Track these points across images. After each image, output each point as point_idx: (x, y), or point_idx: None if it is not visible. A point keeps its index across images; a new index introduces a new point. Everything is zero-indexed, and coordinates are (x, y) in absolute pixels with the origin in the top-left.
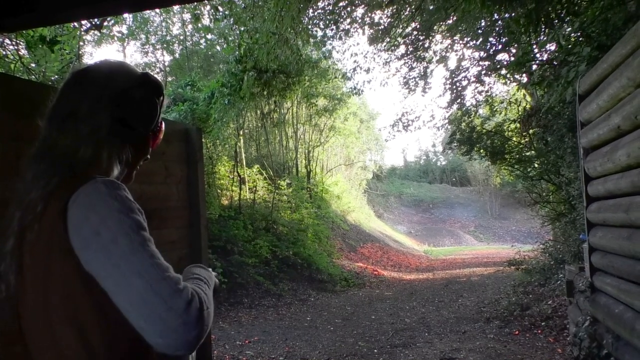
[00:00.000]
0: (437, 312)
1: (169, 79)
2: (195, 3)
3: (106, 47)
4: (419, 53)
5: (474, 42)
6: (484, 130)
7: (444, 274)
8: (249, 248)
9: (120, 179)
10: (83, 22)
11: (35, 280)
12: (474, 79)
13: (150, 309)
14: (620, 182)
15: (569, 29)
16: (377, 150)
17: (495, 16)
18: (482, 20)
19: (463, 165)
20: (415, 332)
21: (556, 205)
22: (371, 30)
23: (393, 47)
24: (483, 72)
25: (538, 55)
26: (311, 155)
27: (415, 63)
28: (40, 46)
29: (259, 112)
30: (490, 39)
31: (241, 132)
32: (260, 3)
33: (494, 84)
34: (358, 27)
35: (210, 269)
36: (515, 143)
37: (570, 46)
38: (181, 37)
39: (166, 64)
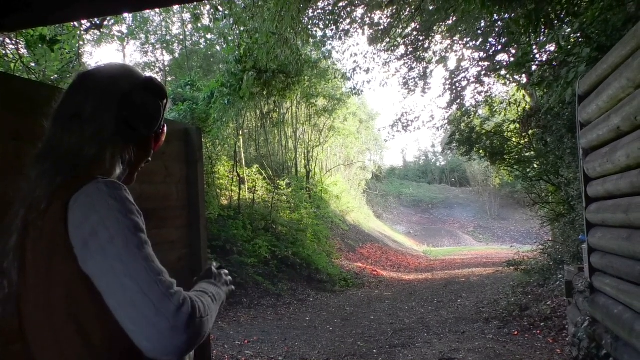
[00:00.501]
0: (436, 313)
1: (169, 78)
2: (195, 3)
3: (106, 47)
4: (418, 53)
5: (474, 42)
6: (484, 131)
7: (443, 274)
8: (248, 248)
9: (122, 179)
10: (83, 21)
11: (37, 278)
12: (474, 80)
13: (139, 312)
14: (619, 182)
15: (569, 29)
16: (376, 151)
17: (495, 17)
18: (482, 21)
19: (462, 166)
20: (415, 332)
21: (555, 206)
22: (371, 31)
23: (393, 48)
24: (483, 72)
25: (538, 56)
26: (310, 156)
27: (415, 63)
28: (40, 46)
29: (258, 112)
30: (490, 39)
31: (241, 132)
32: (260, 3)
33: (493, 84)
34: (358, 27)
35: (224, 273)
36: (515, 144)
37: (570, 47)
38: (181, 37)
39: (166, 63)
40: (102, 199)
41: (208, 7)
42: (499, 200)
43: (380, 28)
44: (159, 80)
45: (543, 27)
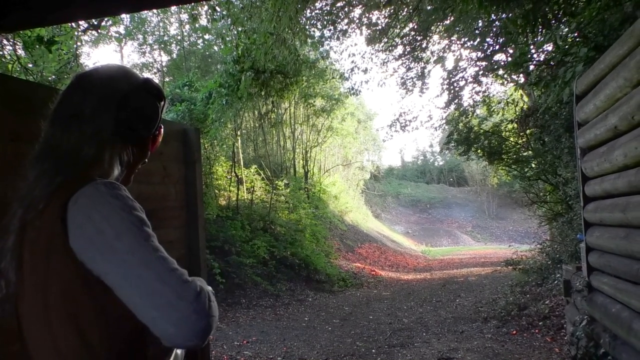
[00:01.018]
0: (435, 312)
1: (167, 79)
2: (193, 3)
3: (103, 48)
4: (416, 53)
5: (472, 42)
6: (482, 131)
7: (442, 274)
8: (246, 248)
9: (120, 180)
10: (81, 22)
11: (35, 278)
12: (472, 79)
13: (162, 298)
14: (617, 182)
15: (566, 29)
16: (374, 151)
17: (493, 16)
18: (480, 21)
19: (460, 166)
20: (413, 332)
21: (553, 205)
22: (369, 31)
23: (390, 48)
24: (480, 72)
25: (535, 55)
26: (309, 156)
27: (413, 63)
28: (37, 46)
29: (256, 112)
30: (488, 39)
31: (239, 133)
32: (258, 3)
33: (491, 84)
34: (356, 27)
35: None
36: (513, 143)
37: (567, 47)
38: (179, 38)
39: (164, 64)
40: (102, 199)
41: (206, 7)
42: (497, 200)
43: (377, 28)
44: (156, 81)
45: (540, 26)
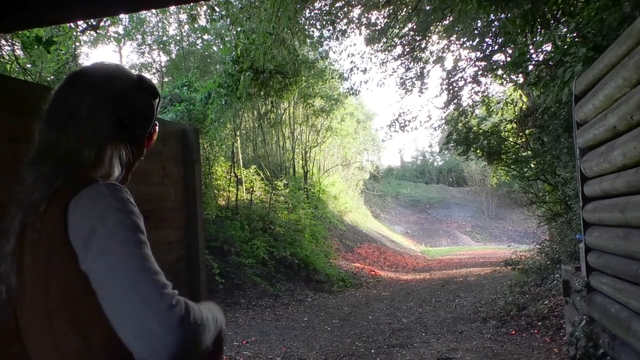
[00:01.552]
0: (434, 312)
1: (166, 79)
2: (192, 3)
3: (102, 48)
4: (415, 53)
5: (471, 42)
6: (481, 131)
7: (441, 274)
8: (246, 248)
9: (119, 180)
10: (79, 22)
11: (36, 280)
12: (471, 80)
13: (129, 308)
14: (616, 182)
15: (565, 29)
16: (374, 151)
17: (492, 17)
18: (479, 21)
19: (460, 166)
20: (413, 332)
21: (552, 205)
22: (368, 31)
23: (390, 48)
24: (479, 72)
25: (534, 55)
26: (308, 156)
27: (412, 63)
28: (36, 47)
29: (255, 112)
30: (487, 39)
31: (238, 133)
32: (257, 3)
33: (490, 84)
34: (355, 27)
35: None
36: (512, 143)
37: (566, 47)
38: (178, 38)
39: (163, 64)
40: (102, 200)
41: (205, 7)
42: (496, 200)
43: (377, 28)
44: (150, 79)
45: (539, 26)
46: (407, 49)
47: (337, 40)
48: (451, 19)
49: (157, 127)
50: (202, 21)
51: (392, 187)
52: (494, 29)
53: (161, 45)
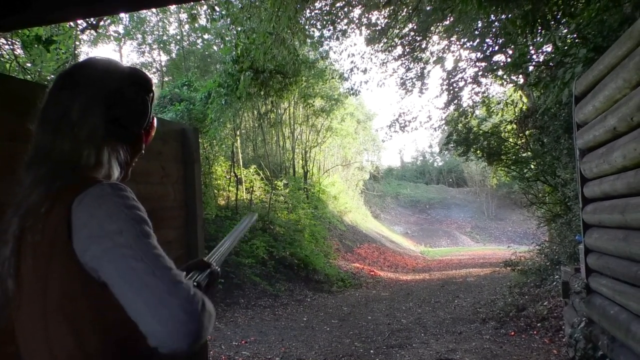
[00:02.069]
0: (434, 313)
1: (166, 78)
2: (192, 3)
3: (102, 47)
4: (415, 54)
5: (471, 43)
6: (481, 131)
7: (440, 274)
8: (245, 248)
9: (120, 179)
10: (79, 21)
11: (35, 281)
12: (471, 80)
13: (153, 293)
14: (616, 183)
15: (565, 30)
16: (374, 151)
17: (492, 17)
18: (479, 22)
19: (460, 166)
20: (412, 332)
21: (552, 207)
22: (368, 31)
23: (390, 48)
24: (480, 73)
25: (534, 56)
26: (308, 156)
27: (412, 64)
28: (36, 46)
29: (255, 112)
30: (487, 40)
31: (238, 133)
32: (257, 3)
33: (490, 85)
34: (355, 27)
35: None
36: (512, 144)
37: (566, 48)
38: (178, 37)
39: (163, 64)
40: (106, 197)
41: (205, 7)
42: (496, 201)
43: (377, 28)
44: (143, 71)
45: (540, 27)
46: (408, 49)
47: (337, 40)
48: (451, 19)
49: (155, 122)
50: (203, 21)
51: (392, 188)
52: (494, 30)
53: (161, 45)
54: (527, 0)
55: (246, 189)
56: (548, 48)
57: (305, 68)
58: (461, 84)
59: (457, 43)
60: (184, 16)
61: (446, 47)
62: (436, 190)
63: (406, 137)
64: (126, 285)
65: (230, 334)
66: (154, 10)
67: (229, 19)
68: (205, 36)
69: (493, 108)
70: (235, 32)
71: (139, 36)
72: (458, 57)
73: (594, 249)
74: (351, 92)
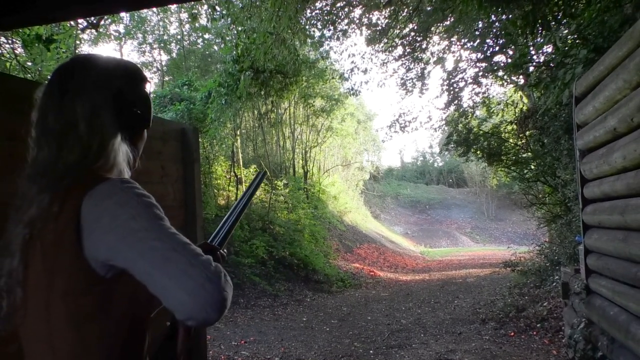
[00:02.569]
0: (433, 313)
1: (166, 78)
2: (193, 2)
3: (103, 46)
4: (416, 54)
5: (471, 43)
6: (481, 132)
7: (440, 275)
8: (245, 248)
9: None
10: (80, 20)
11: (40, 279)
12: (471, 81)
13: (176, 266)
14: (616, 184)
15: (566, 31)
16: (374, 151)
17: (493, 18)
18: (480, 22)
19: (460, 167)
20: (411, 333)
21: (552, 207)
22: (369, 31)
23: (390, 48)
24: (480, 73)
25: (535, 57)
26: (308, 156)
27: (413, 64)
28: (36, 45)
29: (256, 112)
30: (488, 40)
31: (238, 132)
32: (257, 3)
33: (491, 85)
34: (356, 27)
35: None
36: (512, 145)
37: (566, 48)
38: (178, 37)
39: (163, 63)
40: (116, 190)
41: (205, 6)
42: (496, 202)
43: (378, 28)
44: (135, 64)
45: (540, 28)
46: (408, 50)
47: (337, 40)
48: (452, 19)
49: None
50: (203, 20)
51: (392, 188)
52: (494, 30)
53: (162, 44)
54: (528, 0)
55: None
56: (548, 49)
57: (305, 68)
58: (461, 84)
59: (458, 43)
60: (184, 16)
61: (447, 47)
62: (436, 191)
63: (406, 137)
64: (148, 264)
65: (230, 333)
66: (154, 9)
67: (229, 19)
68: (206, 36)
69: (493, 108)
70: (235, 31)
71: (140, 35)
72: (458, 58)
73: (594, 249)
74: (351, 92)
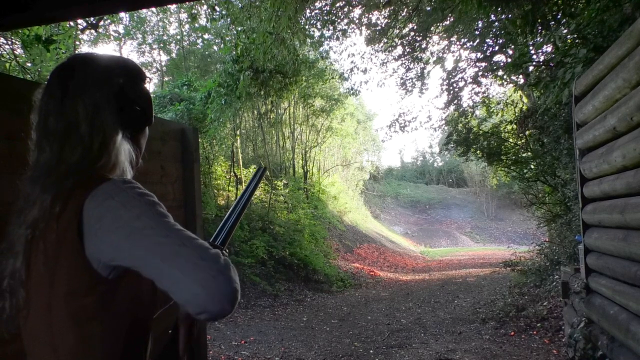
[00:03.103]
0: (433, 313)
1: (166, 78)
2: (192, 2)
3: (102, 47)
4: (416, 54)
5: (471, 43)
6: (481, 132)
7: (440, 274)
8: (245, 248)
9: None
10: (79, 21)
11: (42, 279)
12: (471, 80)
13: (185, 259)
14: (615, 183)
15: (565, 30)
16: (374, 151)
17: (492, 17)
18: (479, 22)
19: (460, 167)
20: (411, 332)
21: (552, 207)
22: (368, 31)
23: (390, 48)
24: (480, 73)
25: (534, 56)
26: (308, 156)
27: (412, 64)
28: (35, 45)
29: (255, 112)
30: (487, 40)
31: (238, 132)
32: (257, 3)
33: (490, 85)
34: (355, 27)
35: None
36: (512, 144)
37: (566, 48)
38: (178, 37)
39: (163, 63)
40: (118, 190)
41: (205, 7)
42: (496, 201)
43: (377, 28)
44: (133, 62)
45: (540, 27)
46: (408, 50)
47: (337, 40)
48: (452, 19)
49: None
50: (203, 20)
51: (392, 188)
52: (494, 30)
53: (161, 45)
54: (527, 0)
55: None
56: (548, 48)
57: (305, 68)
58: (461, 84)
59: (457, 43)
60: (184, 16)
61: (446, 47)
62: (436, 191)
63: (406, 137)
64: (157, 259)
65: (230, 333)
66: (154, 9)
67: (229, 19)
68: (206, 36)
69: (493, 108)
70: (235, 31)
71: (139, 36)
72: (458, 57)
73: (594, 249)
74: (351, 92)
